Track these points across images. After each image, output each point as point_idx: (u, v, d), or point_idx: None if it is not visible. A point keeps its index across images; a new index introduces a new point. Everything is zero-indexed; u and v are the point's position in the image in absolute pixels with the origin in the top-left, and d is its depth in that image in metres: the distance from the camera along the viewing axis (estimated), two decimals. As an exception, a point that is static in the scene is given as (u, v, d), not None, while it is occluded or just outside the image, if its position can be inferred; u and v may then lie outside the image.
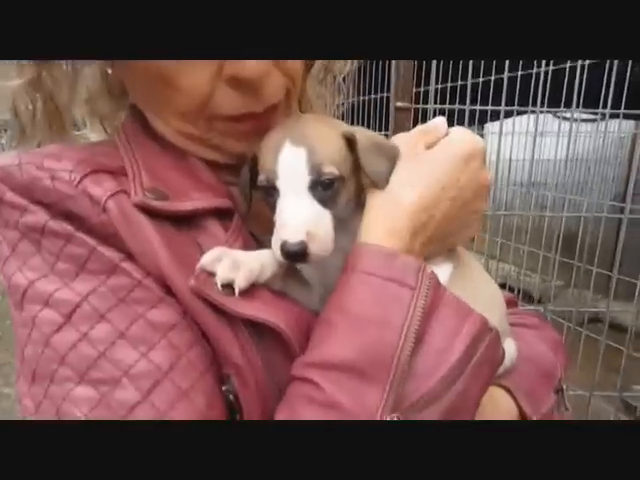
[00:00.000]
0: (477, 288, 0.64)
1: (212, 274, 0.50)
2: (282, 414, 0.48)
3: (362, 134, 0.57)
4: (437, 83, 1.77)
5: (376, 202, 0.55)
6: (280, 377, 0.51)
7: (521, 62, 1.96)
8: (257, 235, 0.63)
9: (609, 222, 1.95)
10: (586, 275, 2.09)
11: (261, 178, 0.56)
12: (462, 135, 0.58)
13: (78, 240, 0.50)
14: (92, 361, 0.46)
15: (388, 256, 0.50)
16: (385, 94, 2.15)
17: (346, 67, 0.81)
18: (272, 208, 0.56)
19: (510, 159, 1.85)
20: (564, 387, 0.72)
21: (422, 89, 1.87)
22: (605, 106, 1.77)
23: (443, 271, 0.59)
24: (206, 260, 0.51)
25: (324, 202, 0.54)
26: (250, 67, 0.52)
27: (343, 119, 0.82)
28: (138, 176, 0.54)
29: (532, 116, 1.95)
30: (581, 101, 1.85)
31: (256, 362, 0.50)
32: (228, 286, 0.50)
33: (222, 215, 0.57)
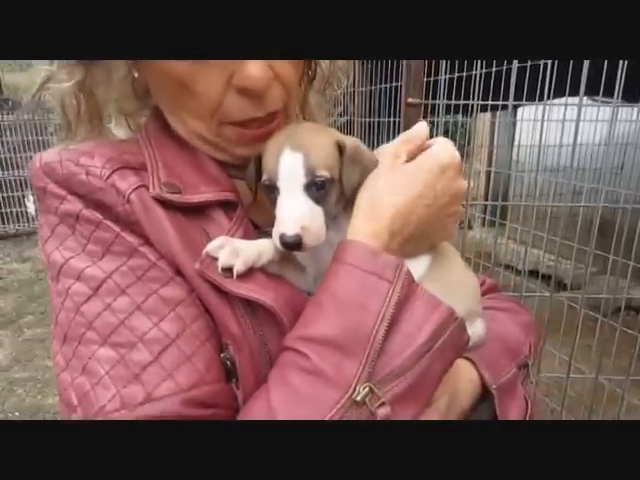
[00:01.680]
0: (450, 275, 0.72)
1: (215, 259, 0.59)
2: (274, 378, 0.56)
3: (351, 144, 0.64)
4: (447, 74, 1.79)
5: (362, 206, 0.62)
6: (270, 346, 0.59)
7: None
8: (257, 222, 0.72)
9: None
10: (620, 262, 2.07)
11: (264, 178, 0.64)
12: (440, 148, 0.65)
13: (105, 226, 0.60)
14: (114, 327, 0.55)
15: (371, 253, 0.57)
16: (397, 84, 2.20)
17: (344, 81, 0.89)
18: (273, 203, 0.64)
19: (543, 144, 1.76)
20: (529, 363, 0.81)
21: (432, 79, 1.88)
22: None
23: (421, 263, 0.67)
24: (210, 247, 0.59)
25: (317, 200, 0.62)
26: (255, 78, 0.61)
27: (359, 106, 0.91)
28: (156, 171, 0.63)
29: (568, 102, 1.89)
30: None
31: (249, 333, 0.59)
32: (229, 270, 0.59)
33: (227, 206, 0.66)
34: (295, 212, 0.61)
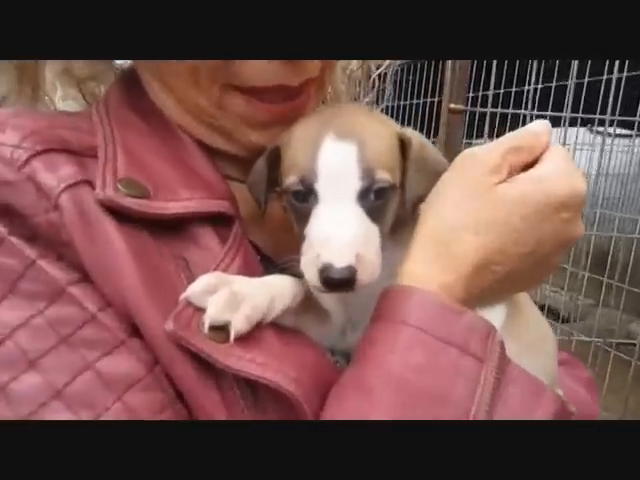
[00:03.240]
0: (529, 328, 0.54)
1: (200, 310, 0.39)
2: None
3: (417, 139, 0.49)
4: (495, 88, 1.69)
5: (429, 242, 0.44)
6: None
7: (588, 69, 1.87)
8: (259, 244, 0.53)
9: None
10: (618, 294, 1.98)
11: (292, 179, 0.46)
12: (557, 170, 0.44)
13: (11, 246, 0.39)
14: None
15: (448, 311, 0.40)
16: (437, 98, 2.10)
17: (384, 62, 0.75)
18: (301, 217, 0.46)
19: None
20: None
21: (473, 94, 1.84)
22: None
23: (498, 315, 0.49)
24: (194, 291, 0.39)
25: (373, 215, 0.45)
26: None
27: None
28: (112, 160, 0.43)
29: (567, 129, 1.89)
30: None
31: None
32: (221, 328, 0.38)
33: (217, 221, 0.46)
34: (348, 232, 0.43)
